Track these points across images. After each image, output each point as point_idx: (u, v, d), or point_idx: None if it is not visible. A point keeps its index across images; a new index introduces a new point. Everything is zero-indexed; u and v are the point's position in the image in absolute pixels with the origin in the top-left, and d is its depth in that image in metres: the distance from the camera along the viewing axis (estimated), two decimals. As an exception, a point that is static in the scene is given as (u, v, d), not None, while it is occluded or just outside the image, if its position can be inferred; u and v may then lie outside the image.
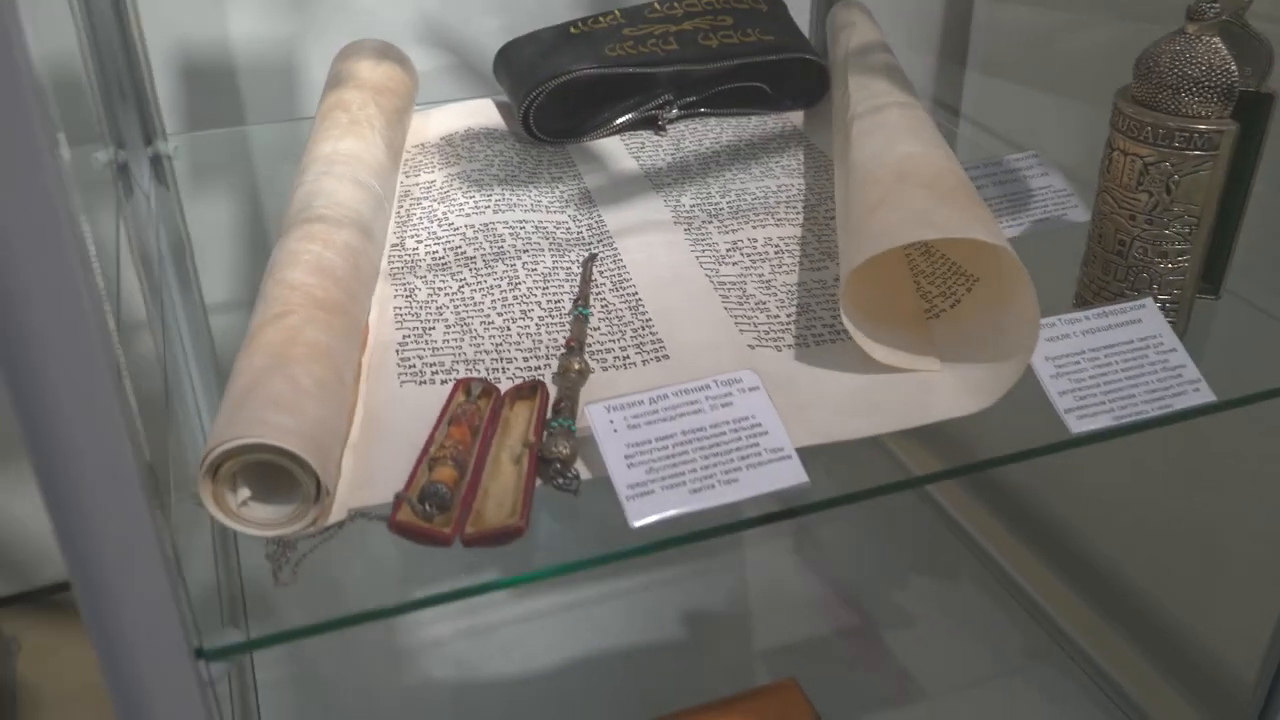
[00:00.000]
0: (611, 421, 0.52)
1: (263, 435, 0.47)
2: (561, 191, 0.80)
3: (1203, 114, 0.57)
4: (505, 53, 0.91)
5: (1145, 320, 0.60)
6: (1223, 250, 0.65)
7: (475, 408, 0.55)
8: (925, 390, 0.58)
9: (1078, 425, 0.56)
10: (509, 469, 0.53)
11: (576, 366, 0.59)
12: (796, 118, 0.92)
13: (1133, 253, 0.61)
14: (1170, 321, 0.61)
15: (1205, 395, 0.58)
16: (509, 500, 0.50)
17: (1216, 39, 0.56)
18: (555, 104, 0.87)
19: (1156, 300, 0.61)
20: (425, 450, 0.53)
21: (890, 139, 0.67)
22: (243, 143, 1.01)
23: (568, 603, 0.96)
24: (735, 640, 0.93)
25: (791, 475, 0.52)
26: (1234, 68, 0.56)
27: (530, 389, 0.57)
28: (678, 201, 0.78)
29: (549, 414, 0.55)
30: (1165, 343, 0.59)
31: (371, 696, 0.89)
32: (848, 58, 0.84)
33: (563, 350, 0.61)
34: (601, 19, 0.92)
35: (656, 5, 0.93)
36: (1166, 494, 0.90)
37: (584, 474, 0.52)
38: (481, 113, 0.92)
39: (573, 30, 0.91)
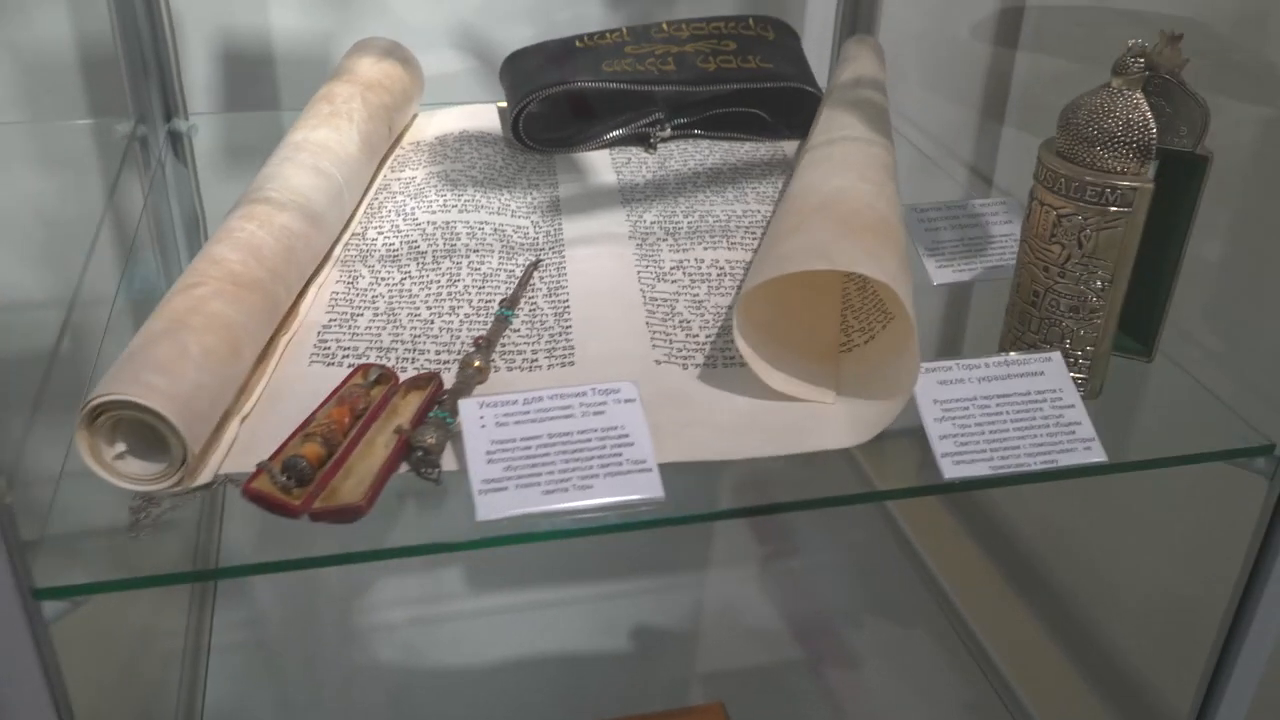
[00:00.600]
0: (482, 417, 0.54)
1: (135, 394, 0.50)
2: (533, 198, 0.82)
3: (1118, 170, 0.56)
4: (510, 60, 0.94)
5: (1048, 373, 0.59)
6: (1153, 311, 0.63)
7: (365, 392, 0.58)
8: (813, 420, 0.58)
9: (952, 470, 0.55)
10: (380, 453, 0.54)
11: (476, 364, 0.60)
12: (791, 147, 0.93)
13: (1045, 305, 0.60)
14: (1080, 379, 0.60)
15: (1095, 455, 0.56)
16: (367, 482, 0.52)
17: (1139, 95, 0.55)
18: (549, 114, 0.89)
19: (1069, 355, 0.60)
20: (303, 426, 0.55)
21: (830, 172, 0.67)
22: (271, 126, 1.06)
23: (525, 602, 0.98)
24: (679, 659, 0.93)
25: (647, 488, 0.53)
26: (1153, 125, 0.55)
27: (426, 380, 0.59)
28: (640, 217, 0.79)
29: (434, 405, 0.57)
30: (1064, 398, 0.58)
31: (319, 674, 0.92)
32: (833, 90, 0.84)
33: (471, 348, 0.63)
34: (608, 35, 0.94)
35: (664, 26, 0.94)
36: (1114, 533, 0.89)
37: (452, 465, 0.54)
38: (482, 117, 0.94)
39: (578, 44, 0.93)
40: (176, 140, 0.94)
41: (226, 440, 0.55)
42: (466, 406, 0.54)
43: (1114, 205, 0.56)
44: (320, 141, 0.74)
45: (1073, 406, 0.58)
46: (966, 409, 0.57)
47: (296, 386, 0.59)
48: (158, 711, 0.85)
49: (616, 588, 1.00)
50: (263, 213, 0.65)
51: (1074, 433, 0.57)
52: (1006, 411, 0.57)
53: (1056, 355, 0.59)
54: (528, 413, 0.54)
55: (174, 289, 0.58)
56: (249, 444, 0.55)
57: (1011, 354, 0.59)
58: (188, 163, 0.94)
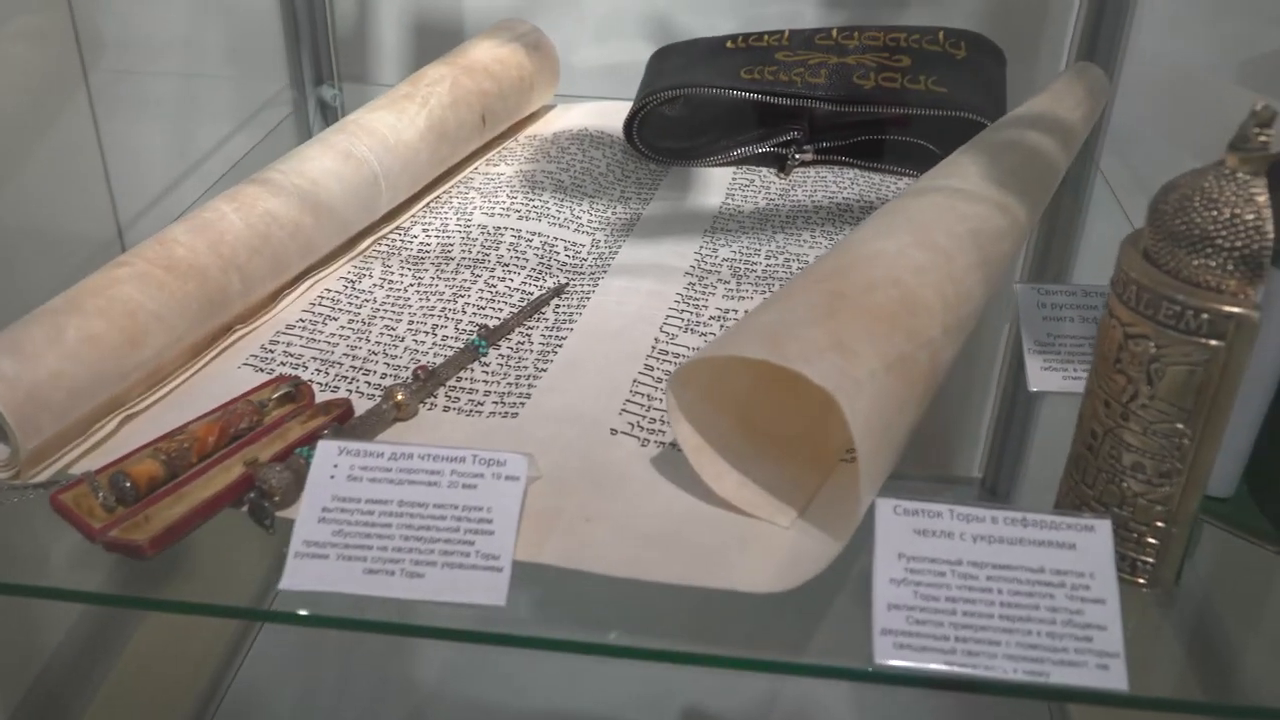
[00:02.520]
0: (335, 465, 0.46)
1: (-29, 376, 0.46)
2: (610, 214, 0.72)
3: (1214, 285, 0.39)
4: (655, 56, 0.84)
5: (1083, 548, 0.42)
6: (1288, 487, 0.45)
7: (255, 410, 0.51)
8: (746, 545, 0.45)
9: (888, 654, 0.41)
10: (228, 482, 0.47)
11: (399, 397, 0.52)
12: (957, 190, 0.77)
13: (1105, 452, 0.43)
14: (1145, 563, 0.43)
15: (1112, 679, 0.40)
16: (172, 519, 0.45)
17: (1260, 183, 0.38)
18: (676, 120, 0.79)
19: (1129, 528, 0.43)
20: (162, 438, 0.49)
21: (886, 229, 0.52)
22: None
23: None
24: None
25: (488, 591, 0.42)
26: (1269, 228, 0.38)
27: (338, 406, 0.52)
28: (713, 251, 0.67)
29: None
30: (1094, 588, 0.41)
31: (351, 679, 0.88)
32: (997, 125, 0.68)
33: (409, 377, 0.54)
34: (766, 37, 0.82)
35: (834, 33, 0.81)
36: None
37: (292, 513, 0.46)
38: (615, 115, 0.85)
39: (729, 44, 0.81)
40: (324, 107, 0.92)
41: (99, 435, 0.50)
42: (323, 450, 0.46)
43: (1199, 334, 0.39)
44: (371, 125, 0.68)
45: (1102, 603, 0.41)
46: (942, 575, 0.42)
47: (212, 388, 0.54)
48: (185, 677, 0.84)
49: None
50: (250, 194, 0.59)
51: (1091, 639, 0.40)
52: (999, 589, 0.42)
53: (1104, 524, 0.42)
54: (389, 470, 0.45)
55: (109, 262, 0.54)
56: (124, 442, 0.50)
57: (1030, 512, 0.43)
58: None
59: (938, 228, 0.53)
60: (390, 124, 0.69)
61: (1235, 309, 0.38)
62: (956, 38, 0.80)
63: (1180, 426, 0.41)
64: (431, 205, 0.72)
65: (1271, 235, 0.38)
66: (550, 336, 0.59)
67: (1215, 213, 0.38)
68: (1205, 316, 0.39)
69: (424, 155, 0.71)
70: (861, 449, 0.41)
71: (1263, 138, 0.38)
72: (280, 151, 0.87)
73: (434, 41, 0.99)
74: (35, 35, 0.82)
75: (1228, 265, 0.38)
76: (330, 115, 0.91)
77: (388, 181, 0.67)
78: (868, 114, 0.76)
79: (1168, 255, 0.40)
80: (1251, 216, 0.38)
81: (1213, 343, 0.39)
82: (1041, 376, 0.56)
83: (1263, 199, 0.38)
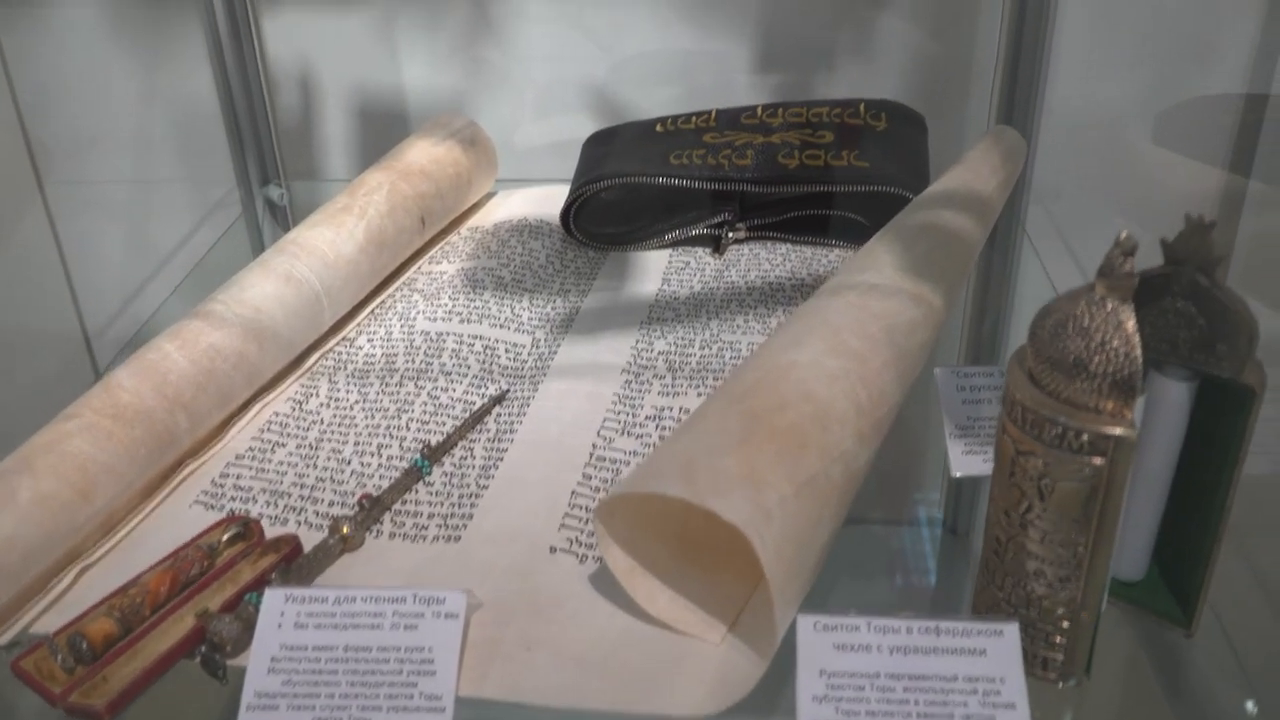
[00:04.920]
0: (282, 614, 0.48)
1: (-73, 548, 0.48)
2: (550, 309, 0.74)
3: (1092, 406, 0.41)
4: (588, 142, 0.86)
5: (993, 654, 0.44)
6: (1194, 571, 0.47)
7: (204, 555, 0.53)
8: (677, 665, 0.47)
9: (813, 773, 0.43)
10: (174, 637, 0.49)
11: (344, 530, 0.54)
12: (887, 258, 0.79)
13: (1010, 558, 0.45)
14: (1054, 659, 0.45)
15: (1022, 783, 0.42)
16: (129, 679, 0.47)
17: (1128, 309, 0.40)
18: (610, 206, 0.81)
19: (1036, 627, 0.45)
20: (117, 592, 0.51)
21: (800, 334, 0.55)
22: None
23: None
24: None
25: (432, 733, 0.45)
26: (1138, 354, 0.40)
27: (287, 543, 0.54)
28: (649, 344, 0.69)
29: (269, 580, 0.52)
30: (1003, 693, 0.44)
31: None
32: (912, 205, 0.70)
33: (354, 506, 0.56)
34: (694, 118, 0.84)
35: (759, 111, 0.83)
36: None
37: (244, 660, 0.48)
38: (555, 201, 0.87)
39: (658, 128, 0.84)
40: (271, 206, 0.94)
41: (57, 590, 0.52)
42: (270, 599, 0.48)
43: (1082, 453, 0.41)
44: (310, 243, 0.70)
45: (1012, 707, 0.43)
46: (862, 689, 0.44)
47: (165, 532, 0.56)
48: None
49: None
50: (193, 330, 0.61)
51: (1002, 745, 0.43)
52: (915, 700, 0.44)
53: (1011, 628, 0.44)
54: (334, 615, 0.47)
55: (57, 416, 0.56)
56: (82, 595, 0.52)
57: (944, 620, 0.45)
58: (285, 229, 0.94)
59: (851, 330, 0.55)
60: (329, 240, 0.71)
61: (1114, 430, 0.41)
62: (877, 109, 0.82)
63: (1074, 535, 0.43)
64: (376, 312, 0.74)
65: (1140, 359, 0.40)
66: (492, 449, 0.61)
67: (1087, 340, 0.41)
68: (1086, 437, 0.41)
69: (364, 267, 0.73)
70: (773, 578, 0.43)
71: (1127, 267, 0.40)
72: (231, 256, 0.90)
73: (377, 132, 1.02)
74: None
75: (1103, 389, 0.41)
76: (279, 215, 0.93)
77: (330, 298, 0.69)
78: (795, 192, 0.78)
79: (1049, 378, 0.42)
80: (1120, 343, 0.40)
81: (1096, 461, 0.41)
82: (963, 461, 0.58)
83: (1130, 325, 0.40)
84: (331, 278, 0.69)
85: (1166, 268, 0.43)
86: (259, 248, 0.90)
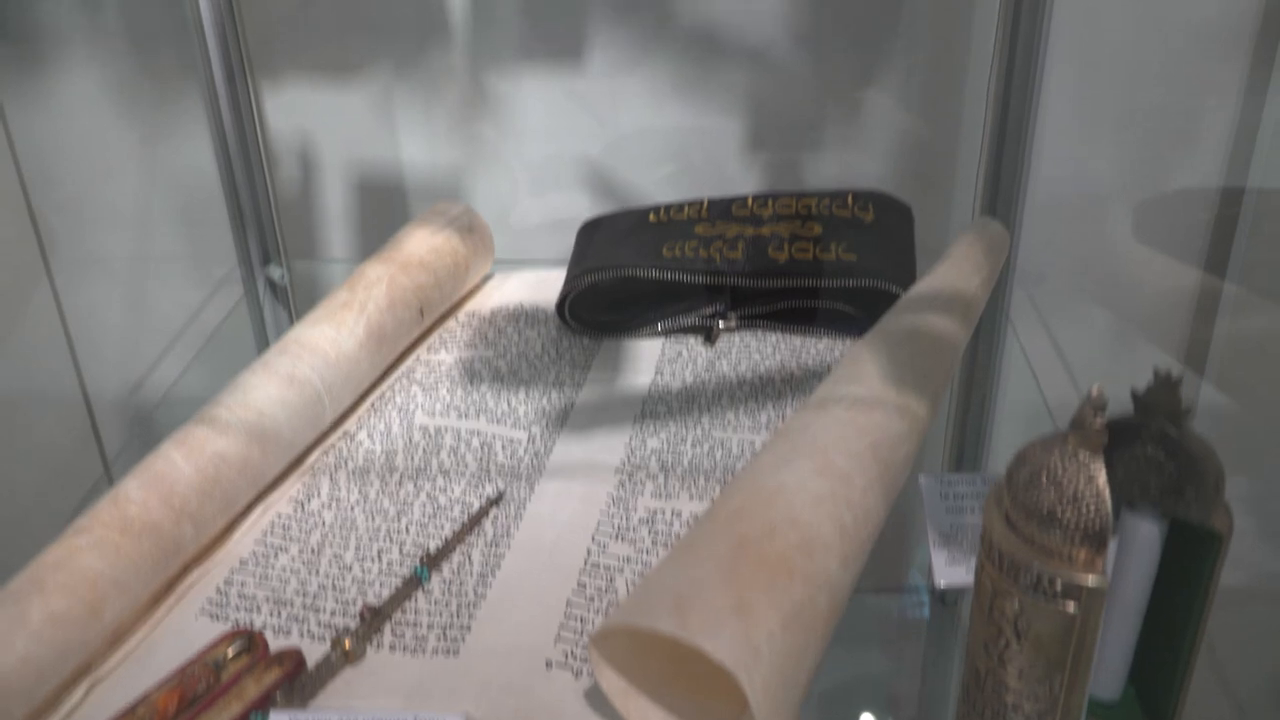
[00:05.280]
0: (286, 737, 0.49)
1: (-58, 673, 0.49)
2: (546, 402, 0.76)
3: (1064, 554, 0.43)
4: (583, 229, 0.88)
5: (973, 783, 0.46)
6: (1167, 703, 0.49)
7: (211, 672, 0.54)
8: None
9: None
10: (190, 754, 0.51)
11: (346, 645, 0.56)
12: (874, 348, 0.81)
13: (989, 690, 0.47)
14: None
15: None
16: (142, 800, 0.49)
17: (1098, 461, 0.42)
18: (604, 294, 0.83)
19: (1015, 755, 0.47)
20: (124, 712, 0.52)
21: (788, 454, 0.57)
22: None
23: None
24: None
25: None
26: (1108, 507, 0.42)
27: (290, 658, 0.55)
28: (642, 442, 0.71)
29: (275, 698, 0.53)
30: (983, 822, 0.46)
31: None
32: (897, 307, 0.72)
33: (356, 616, 0.58)
34: (686, 208, 0.86)
35: (749, 201, 0.85)
36: None
37: (252, 784, 0.50)
38: (552, 285, 0.89)
39: (652, 218, 0.86)
40: (271, 286, 0.96)
41: (67, 706, 0.54)
42: (275, 721, 0.50)
43: (1056, 599, 0.43)
44: (311, 341, 0.72)
45: (991, 836, 0.45)
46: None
47: (173, 645, 0.57)
48: None
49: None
50: (198, 437, 0.63)
51: None
52: (898, 830, 0.46)
53: (991, 758, 0.47)
54: (337, 738, 0.49)
55: (69, 527, 0.58)
56: (93, 711, 0.53)
57: (924, 750, 0.47)
58: (288, 309, 0.96)
59: (837, 449, 0.57)
60: (330, 338, 0.72)
61: (1086, 579, 0.43)
62: (865, 201, 0.85)
63: (1050, 673, 0.45)
64: (376, 405, 0.76)
65: (1110, 514, 0.42)
66: (489, 554, 0.63)
67: (1060, 492, 0.43)
68: (1060, 584, 0.43)
69: (365, 363, 0.74)
70: (760, 715, 0.45)
71: (1098, 423, 0.42)
72: (234, 338, 0.92)
73: (376, 209, 1.04)
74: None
75: (1075, 539, 0.43)
76: (280, 293, 0.95)
77: (331, 396, 0.71)
78: (785, 285, 0.80)
79: (1024, 524, 0.44)
80: (1091, 497, 0.42)
81: (1069, 607, 0.43)
82: (947, 571, 0.60)
83: (1101, 480, 0.42)
84: (333, 376, 0.71)
85: (1138, 416, 0.45)
86: (260, 329, 0.92)
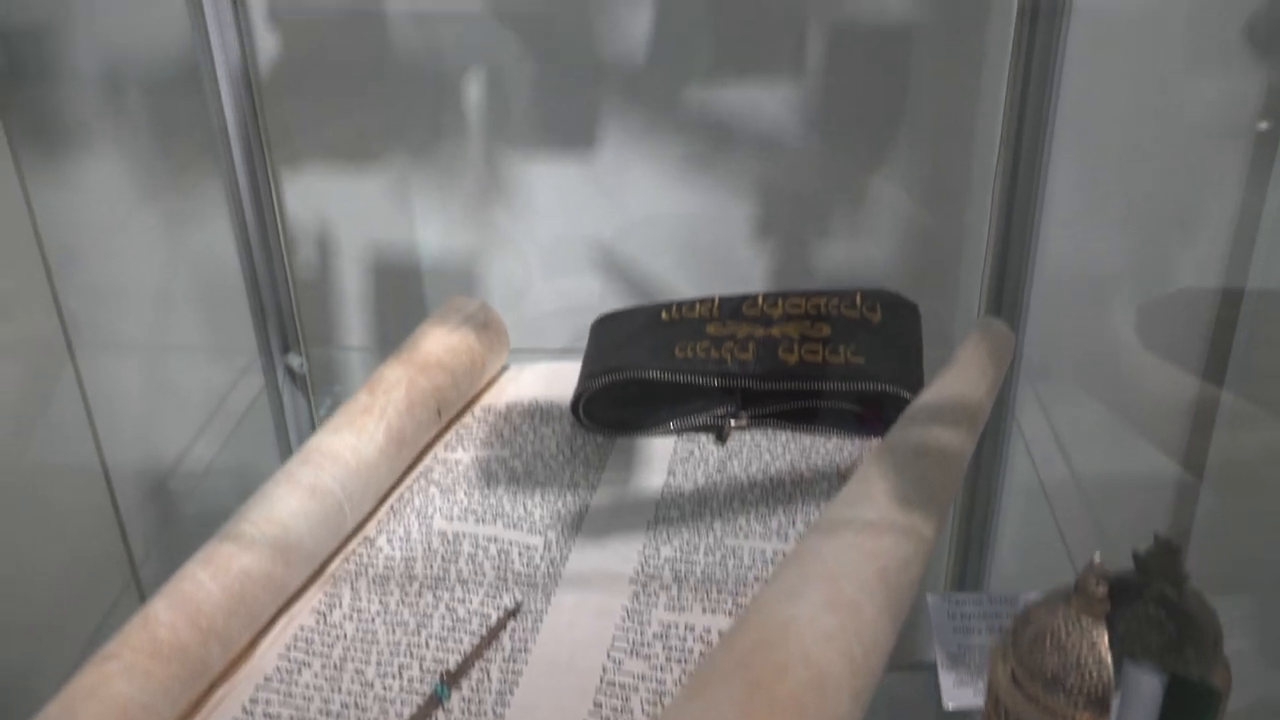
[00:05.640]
0: None
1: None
2: (561, 505, 0.77)
3: (1067, 716, 0.45)
4: (596, 326, 0.90)
5: None
6: None
7: (238, 799, 0.56)
8: None
9: None
10: None
11: (369, 770, 0.57)
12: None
13: (995, 833, 0.49)
14: None
15: None
16: None
17: (1100, 627, 0.44)
18: (615, 394, 0.85)
19: None
20: (156, 841, 0.54)
21: (797, 585, 0.58)
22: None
23: None
24: None
25: None
26: (1109, 673, 0.43)
27: (314, 784, 0.57)
28: (656, 550, 0.73)
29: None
30: None
31: None
32: (902, 420, 0.74)
33: (378, 741, 0.60)
34: (698, 306, 0.88)
35: (759, 300, 0.87)
36: None
37: None
38: (566, 378, 0.90)
39: (664, 315, 0.88)
40: (295, 376, 0.98)
41: (97, 835, 0.55)
42: None
43: (1060, 757, 0.45)
44: (334, 451, 0.73)
45: None
46: None
47: (197, 766, 0.59)
48: None
49: None
50: (225, 555, 0.65)
51: None
52: None
53: None
54: None
55: (99, 652, 0.59)
56: (121, 839, 0.55)
57: None
58: (307, 397, 0.98)
59: (847, 577, 0.59)
60: (351, 445, 0.74)
61: (1087, 741, 0.44)
62: (872, 300, 0.86)
63: (1054, 825, 0.46)
64: (395, 507, 0.78)
65: (1112, 678, 0.44)
66: (507, 669, 0.64)
67: (1063, 657, 0.44)
68: (1062, 745, 0.45)
69: (384, 469, 0.76)
70: None
71: (1100, 591, 0.44)
72: (255, 428, 0.93)
73: (393, 293, 1.06)
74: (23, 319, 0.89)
75: (1078, 702, 0.44)
76: (299, 382, 0.97)
77: (352, 504, 0.73)
78: (795, 387, 0.82)
79: (1029, 683, 0.46)
80: (1094, 663, 0.44)
81: (1072, 766, 0.45)
82: (955, 693, 0.61)
83: (1103, 645, 0.44)
84: (354, 484, 0.73)
85: (1139, 576, 0.47)
86: (280, 418, 0.94)
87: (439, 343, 0.85)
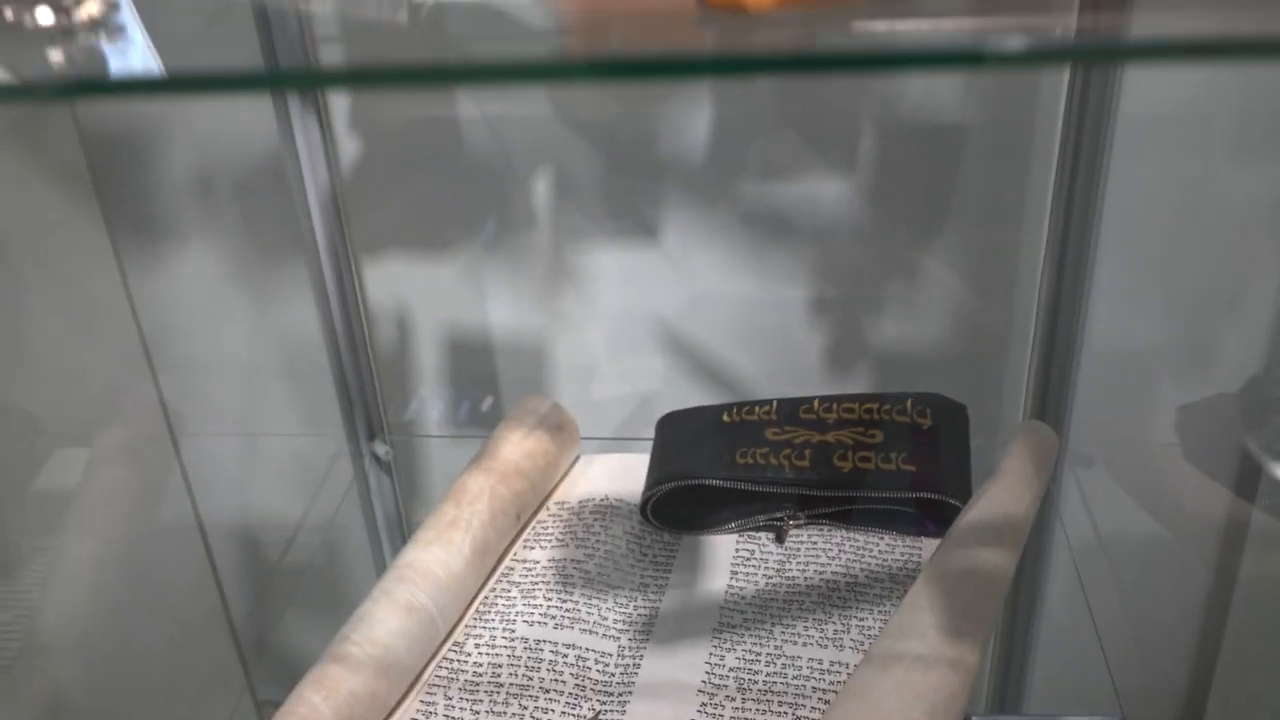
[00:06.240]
0: None
1: None
2: (633, 608, 0.84)
3: None
4: (662, 425, 0.96)
5: None
6: None
7: None
8: None
9: None
10: None
11: None
12: (932, 548, 0.88)
13: None
14: None
15: None
16: None
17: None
18: (680, 496, 0.91)
19: None
20: None
21: (853, 724, 0.64)
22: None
23: None
24: None
25: None
26: None
27: None
28: (721, 658, 0.79)
29: None
30: None
31: None
32: (948, 539, 0.79)
33: None
34: (757, 409, 0.94)
35: (815, 404, 0.93)
36: None
37: None
38: (635, 473, 0.96)
39: (725, 418, 0.94)
40: (381, 463, 1.05)
41: None
42: None
43: None
44: (425, 566, 0.80)
45: None
46: None
47: None
48: None
49: None
50: (334, 677, 0.72)
51: None
52: None
53: None
54: None
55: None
56: None
57: None
58: (393, 482, 1.05)
59: (905, 713, 0.65)
60: (442, 560, 0.81)
61: None
62: (922, 406, 0.92)
63: None
64: (480, 610, 0.85)
65: None
66: (588, 784, 0.71)
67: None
68: None
69: (471, 580, 0.83)
70: None
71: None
72: (349, 523, 1.01)
73: (469, 375, 1.12)
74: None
75: None
76: (385, 469, 1.04)
77: (444, 617, 0.80)
78: (849, 494, 0.88)
79: None
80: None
81: None
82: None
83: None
84: (445, 598, 0.80)
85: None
86: (370, 511, 1.01)
87: (516, 448, 0.92)
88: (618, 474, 0.99)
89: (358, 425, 1.05)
